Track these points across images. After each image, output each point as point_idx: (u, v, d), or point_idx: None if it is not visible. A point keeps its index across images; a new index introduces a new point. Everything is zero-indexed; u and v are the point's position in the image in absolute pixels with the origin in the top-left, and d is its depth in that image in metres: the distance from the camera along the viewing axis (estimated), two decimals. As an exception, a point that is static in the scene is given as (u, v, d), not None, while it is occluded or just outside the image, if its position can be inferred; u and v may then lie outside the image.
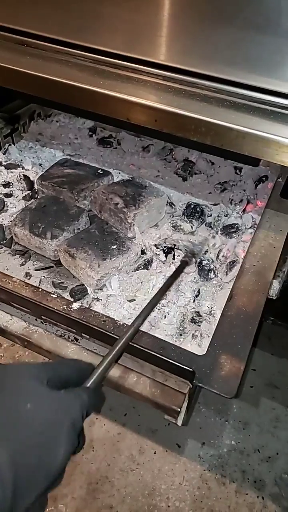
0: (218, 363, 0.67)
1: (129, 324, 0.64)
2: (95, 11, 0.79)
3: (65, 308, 0.73)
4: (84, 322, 0.68)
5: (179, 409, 0.71)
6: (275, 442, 1.48)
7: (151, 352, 0.65)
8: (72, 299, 0.86)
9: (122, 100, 0.76)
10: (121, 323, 0.71)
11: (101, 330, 0.67)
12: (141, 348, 0.65)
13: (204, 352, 0.69)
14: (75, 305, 0.73)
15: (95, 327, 0.67)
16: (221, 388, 0.64)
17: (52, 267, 0.94)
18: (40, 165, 1.19)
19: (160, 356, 0.64)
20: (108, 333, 0.67)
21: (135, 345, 0.66)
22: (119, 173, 1.18)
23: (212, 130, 0.71)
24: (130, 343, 0.64)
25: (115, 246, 0.90)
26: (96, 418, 1.53)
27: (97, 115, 0.82)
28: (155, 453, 1.47)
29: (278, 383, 1.64)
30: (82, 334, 0.73)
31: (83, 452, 1.43)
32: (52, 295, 0.75)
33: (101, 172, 1.07)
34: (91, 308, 0.81)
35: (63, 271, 0.93)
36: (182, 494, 1.37)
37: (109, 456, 1.45)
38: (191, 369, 0.63)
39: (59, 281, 0.90)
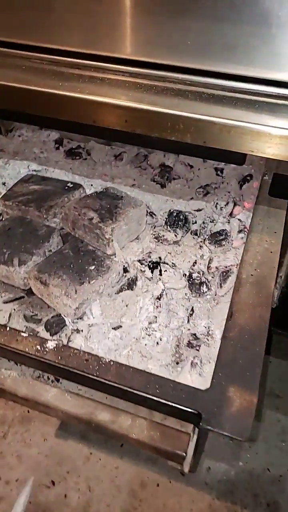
0: (226, 397, 0.57)
1: (115, 360, 0.54)
2: (44, 4, 0.69)
3: (39, 348, 0.61)
4: (61, 366, 0.56)
5: (184, 454, 0.60)
6: (285, 458, 1.38)
7: (146, 396, 0.54)
8: (48, 334, 0.75)
9: (85, 101, 0.66)
10: (107, 360, 0.60)
11: (82, 373, 0.56)
12: (132, 391, 0.54)
13: (208, 385, 0.59)
14: (51, 344, 0.62)
15: (75, 371, 0.56)
16: (233, 429, 0.53)
17: (23, 297, 0.82)
18: (3, 184, 1.08)
19: (156, 400, 0.53)
20: (91, 376, 0.56)
21: (124, 388, 0.55)
22: (91, 185, 1.08)
23: (191, 126, 0.62)
24: (117, 385, 0.53)
25: (93, 267, 0.79)
26: (91, 453, 1.40)
27: (63, 125, 0.73)
28: (158, 485, 1.34)
29: (279, 392, 1.54)
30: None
31: (79, 494, 1.30)
32: (22, 333, 0.63)
33: (71, 185, 0.96)
34: (70, 344, 0.70)
35: (36, 301, 0.81)
36: (193, 529, 1.25)
37: (108, 495, 1.31)
38: (196, 412, 0.52)
39: (32, 314, 0.78)
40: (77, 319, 0.76)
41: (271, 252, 0.78)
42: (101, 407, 0.66)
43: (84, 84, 0.70)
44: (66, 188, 0.95)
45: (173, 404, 0.53)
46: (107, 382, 0.55)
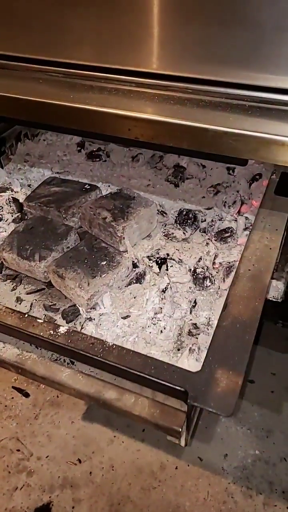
0: (214, 379, 0.63)
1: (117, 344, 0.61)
2: (57, 24, 0.77)
3: (52, 333, 0.70)
4: (69, 348, 0.65)
5: (180, 429, 0.67)
6: (302, 449, 1.41)
7: (140, 374, 0.61)
8: (64, 321, 0.84)
9: (92, 112, 0.74)
10: (110, 344, 0.68)
11: (87, 354, 0.64)
12: (129, 370, 0.62)
13: (199, 368, 0.65)
14: (62, 329, 0.70)
15: (81, 352, 0.64)
16: (218, 405, 0.60)
17: (43, 289, 0.92)
18: (29, 186, 1.18)
19: (148, 378, 0.60)
20: (95, 357, 0.64)
21: (123, 367, 0.62)
22: (109, 186, 1.16)
23: (186, 133, 0.68)
24: (118, 365, 0.61)
25: (104, 262, 0.87)
26: (114, 436, 1.49)
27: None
28: (176, 468, 1.41)
29: (298, 385, 1.56)
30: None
31: (103, 472, 1.39)
32: (38, 320, 0.72)
33: (88, 187, 1.05)
34: (82, 329, 0.78)
35: (55, 293, 0.91)
36: (208, 510, 1.31)
37: (129, 475, 1.40)
38: (182, 389, 0.58)
39: (51, 303, 0.88)
40: (90, 309, 0.85)
41: (270, 248, 0.82)
42: (109, 386, 0.74)
43: (94, 95, 0.78)
44: (83, 189, 1.04)
45: (162, 382, 0.60)
46: (107, 362, 0.63)
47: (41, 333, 0.70)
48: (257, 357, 1.62)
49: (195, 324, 0.80)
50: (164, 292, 0.85)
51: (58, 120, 0.77)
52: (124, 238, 0.93)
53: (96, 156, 1.27)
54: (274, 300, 0.89)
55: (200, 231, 1.01)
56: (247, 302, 0.73)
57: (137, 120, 0.72)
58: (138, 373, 0.61)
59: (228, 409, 0.59)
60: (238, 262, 0.89)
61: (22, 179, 1.20)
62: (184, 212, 1.01)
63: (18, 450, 1.51)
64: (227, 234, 0.94)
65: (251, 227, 0.95)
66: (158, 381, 0.60)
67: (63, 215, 0.99)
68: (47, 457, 1.45)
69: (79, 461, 1.43)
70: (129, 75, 0.78)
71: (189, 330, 0.79)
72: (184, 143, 0.68)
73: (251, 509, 1.31)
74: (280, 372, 1.60)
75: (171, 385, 0.59)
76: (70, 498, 1.39)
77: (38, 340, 0.68)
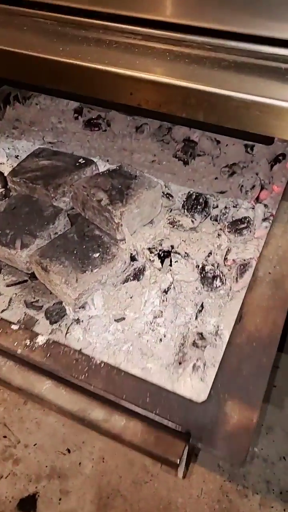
0: (223, 413, 0.51)
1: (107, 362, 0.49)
2: None
3: (28, 343, 0.58)
4: (47, 367, 0.53)
5: (178, 461, 0.56)
6: (303, 448, 1.33)
7: (133, 407, 0.49)
8: (48, 322, 0.72)
9: (85, 70, 0.58)
10: (98, 361, 0.56)
11: (67, 378, 0.52)
12: (120, 399, 0.50)
13: (205, 397, 0.53)
14: (41, 339, 0.58)
15: (60, 375, 0.52)
16: (227, 449, 0.48)
17: (26, 281, 0.79)
18: (17, 157, 1.03)
19: (144, 412, 0.49)
20: (75, 382, 0.52)
21: (111, 396, 0.50)
22: (107, 160, 1.01)
23: (203, 102, 0.53)
24: (104, 391, 0.49)
25: (97, 254, 0.74)
26: (106, 427, 1.40)
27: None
28: (170, 464, 1.33)
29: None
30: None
31: (92, 463, 1.32)
32: (13, 326, 0.60)
33: (83, 161, 0.90)
34: (67, 334, 0.66)
35: (39, 286, 0.78)
36: (201, 508, 1.24)
37: (120, 468, 1.33)
38: (184, 431, 0.47)
39: (33, 299, 0.75)
40: (79, 308, 0.72)
41: (295, 246, 0.69)
42: (95, 403, 0.62)
43: (88, 48, 0.62)
44: (77, 164, 0.89)
45: (161, 421, 0.48)
46: (92, 387, 0.51)
47: (15, 344, 0.57)
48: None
49: (201, 333, 0.68)
50: (166, 293, 0.72)
51: (42, 79, 0.62)
52: (122, 225, 0.79)
53: (95, 125, 1.11)
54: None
55: (211, 219, 0.87)
56: (266, 313, 0.60)
57: (141, 81, 0.57)
58: (129, 406, 0.49)
59: (240, 456, 0.47)
60: (254, 260, 0.75)
61: (9, 148, 1.05)
62: (194, 196, 0.87)
63: (5, 437, 1.44)
64: (242, 225, 0.80)
65: (271, 218, 0.80)
66: (156, 419, 0.48)
67: (52, 194, 0.85)
68: (34, 445, 1.38)
69: (68, 450, 1.36)
70: (133, 24, 0.62)
71: (194, 340, 0.67)
72: (200, 114, 0.53)
73: (246, 509, 1.24)
74: (285, 365, 1.49)
75: (171, 426, 0.47)
76: (58, 489, 1.33)
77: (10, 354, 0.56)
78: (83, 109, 1.16)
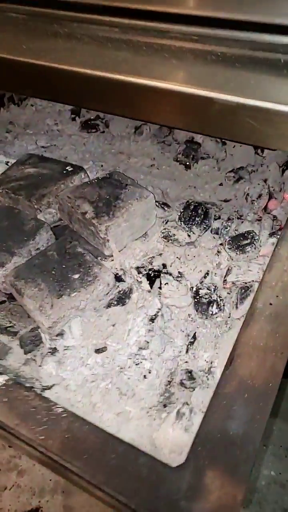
0: (201, 484, 0.42)
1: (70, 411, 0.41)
2: None
3: (-17, 385, 0.50)
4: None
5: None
6: None
7: (82, 474, 0.41)
8: (22, 351, 0.64)
9: (51, 71, 0.50)
10: (59, 410, 0.48)
11: (16, 436, 0.44)
12: (73, 470, 0.41)
13: (183, 459, 0.44)
14: (0, 380, 0.51)
15: (8, 430, 0.44)
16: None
17: (4, 302, 0.72)
18: (7, 163, 0.96)
19: (97, 483, 0.40)
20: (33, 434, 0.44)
21: (67, 464, 0.42)
22: (102, 165, 0.92)
23: (179, 106, 0.43)
24: (58, 458, 0.41)
25: (77, 276, 0.66)
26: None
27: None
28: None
29: None
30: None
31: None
32: None
33: (71, 169, 0.82)
34: (40, 368, 0.58)
35: (16, 308, 0.71)
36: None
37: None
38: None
39: (9, 324, 0.68)
40: (56, 335, 0.65)
41: (304, 271, 0.58)
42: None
43: (65, 45, 0.53)
44: (64, 172, 0.81)
45: (120, 499, 0.40)
46: (45, 452, 0.43)
47: None
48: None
49: (190, 371, 0.58)
50: (153, 321, 0.63)
51: (8, 83, 0.54)
52: (108, 240, 0.71)
53: (93, 126, 1.03)
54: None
55: (212, 232, 0.76)
56: (264, 356, 0.50)
57: (101, 82, 0.47)
58: (86, 478, 0.40)
59: None
60: (257, 282, 0.65)
61: (0, 154, 0.99)
62: (192, 206, 0.77)
63: (10, 446, 1.40)
64: (246, 241, 0.70)
65: (280, 233, 0.70)
66: (111, 492, 0.39)
67: (35, 206, 0.77)
68: (39, 458, 1.33)
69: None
70: (104, 14, 0.52)
71: (181, 380, 0.58)
72: (177, 120, 0.44)
73: None
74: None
75: (131, 506, 0.38)
76: (61, 505, 1.28)
77: None
78: (80, 109, 1.08)
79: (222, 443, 0.44)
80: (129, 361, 0.61)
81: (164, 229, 0.77)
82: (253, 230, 0.71)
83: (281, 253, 0.61)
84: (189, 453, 0.44)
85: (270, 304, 0.55)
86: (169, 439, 0.52)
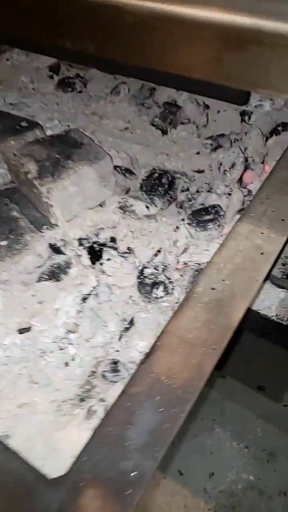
0: (77, 505, 0.33)
1: None
2: None
3: None
4: None
5: None
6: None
7: None
8: None
9: None
10: None
11: None
12: None
13: (65, 470, 0.35)
14: None
15: None
16: None
17: None
18: None
19: None
20: None
21: None
22: (68, 125, 0.82)
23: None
24: None
25: (4, 243, 0.57)
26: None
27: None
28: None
29: None
30: None
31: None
32: None
33: (25, 124, 0.72)
34: None
35: None
36: None
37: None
38: None
39: None
40: (-22, 309, 0.57)
41: (261, 253, 0.47)
42: None
43: None
44: (18, 127, 0.72)
45: None
46: None
47: None
48: (273, 357, 1.28)
49: (116, 362, 0.49)
50: (86, 300, 0.54)
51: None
52: (52, 206, 0.62)
53: (69, 85, 0.93)
54: (276, 320, 0.59)
55: (177, 205, 0.66)
56: (190, 351, 0.40)
57: None
58: None
59: None
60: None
61: None
62: (157, 175, 0.67)
63: None
64: (208, 217, 0.59)
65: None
66: None
67: (-21, 163, 0.68)
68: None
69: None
70: None
71: (103, 371, 0.48)
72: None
73: None
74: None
75: None
76: None
77: None
78: (60, 67, 0.98)
79: (113, 455, 0.35)
80: (52, 345, 0.53)
81: (122, 198, 0.67)
82: (218, 205, 0.60)
83: (239, 230, 0.50)
84: (73, 463, 0.35)
85: (213, 289, 0.45)
86: (72, 441, 0.43)
